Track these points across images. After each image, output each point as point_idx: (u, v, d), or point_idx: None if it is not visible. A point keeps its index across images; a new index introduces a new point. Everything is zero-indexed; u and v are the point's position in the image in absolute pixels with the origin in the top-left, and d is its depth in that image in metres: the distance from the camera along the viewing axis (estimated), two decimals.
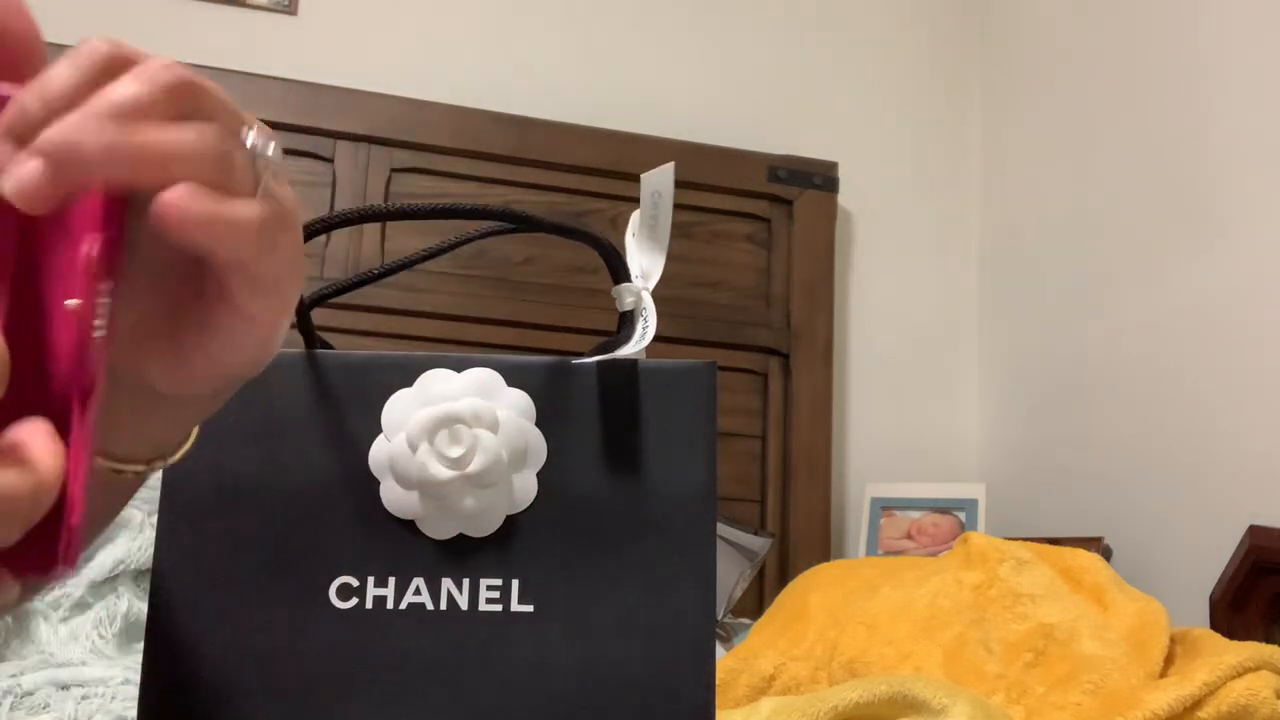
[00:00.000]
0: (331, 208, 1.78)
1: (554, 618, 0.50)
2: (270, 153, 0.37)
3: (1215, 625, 1.25)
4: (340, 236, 1.77)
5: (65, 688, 0.92)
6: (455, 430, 0.49)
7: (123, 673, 0.95)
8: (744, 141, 1.98)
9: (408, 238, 1.78)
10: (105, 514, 0.44)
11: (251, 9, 1.87)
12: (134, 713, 0.89)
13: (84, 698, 0.92)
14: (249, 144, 0.36)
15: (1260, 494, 1.40)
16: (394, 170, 1.81)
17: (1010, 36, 2.12)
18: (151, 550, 1.18)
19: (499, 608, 0.50)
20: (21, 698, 0.90)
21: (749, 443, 1.89)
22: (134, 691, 0.94)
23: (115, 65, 0.34)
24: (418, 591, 0.50)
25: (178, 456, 0.42)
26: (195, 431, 0.42)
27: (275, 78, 1.78)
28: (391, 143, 1.81)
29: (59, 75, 0.33)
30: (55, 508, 0.29)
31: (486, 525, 0.50)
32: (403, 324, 1.73)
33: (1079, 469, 1.77)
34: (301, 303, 0.53)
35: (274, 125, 1.98)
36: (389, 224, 1.79)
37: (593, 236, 0.52)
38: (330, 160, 1.79)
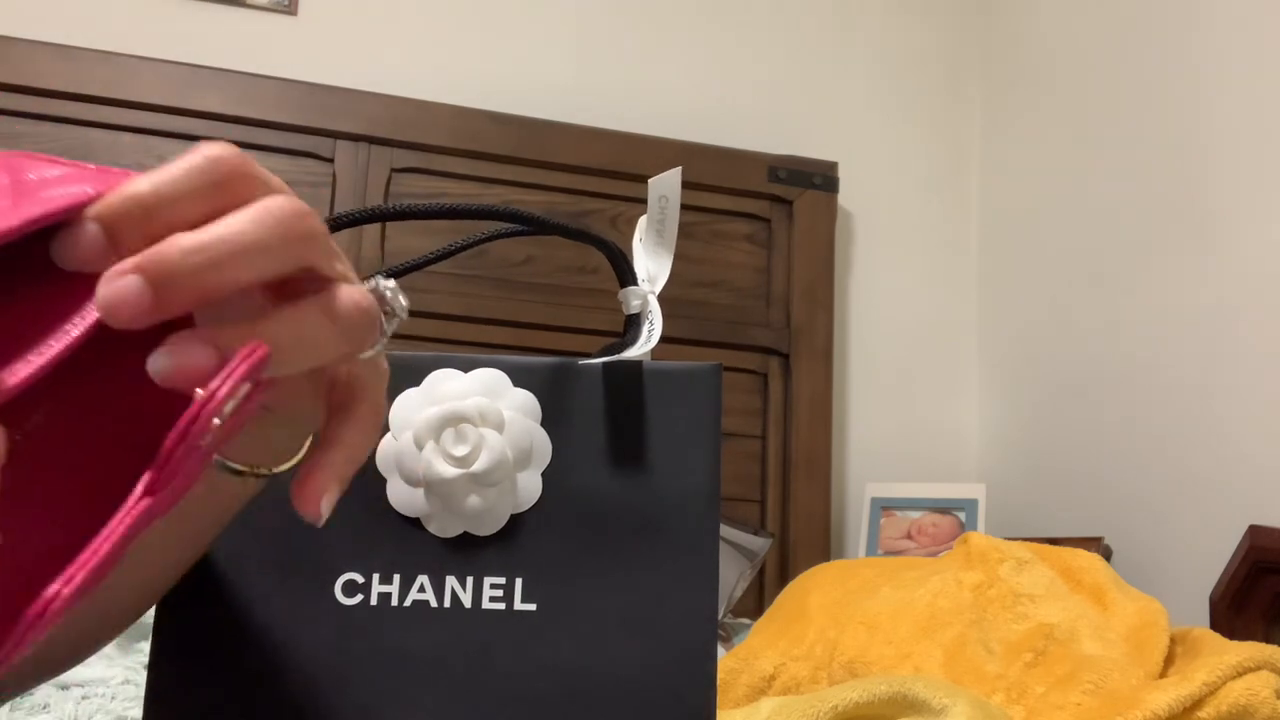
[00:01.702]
0: (331, 208, 1.78)
1: (556, 617, 0.50)
2: (402, 302, 0.35)
3: (1215, 625, 1.26)
4: (341, 237, 1.77)
5: (65, 688, 0.93)
6: (461, 429, 0.49)
7: (123, 672, 0.95)
8: (744, 141, 1.99)
9: (408, 238, 1.78)
10: (211, 524, 0.44)
11: (251, 9, 1.87)
12: (134, 713, 0.89)
13: (84, 698, 0.92)
14: (380, 290, 0.35)
15: (1260, 494, 1.40)
16: (394, 170, 1.82)
17: (1010, 37, 2.12)
18: None
19: (502, 606, 0.50)
20: (21, 698, 0.90)
21: (749, 443, 1.90)
22: (134, 691, 0.94)
23: (234, 181, 0.31)
24: (422, 589, 0.50)
25: (299, 458, 0.41)
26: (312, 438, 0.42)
27: (275, 78, 1.78)
28: (391, 143, 1.81)
29: (175, 180, 0.30)
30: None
31: (491, 524, 0.50)
32: (402, 324, 1.74)
33: (1079, 469, 1.77)
34: None
35: (274, 125, 1.98)
36: (389, 224, 1.80)
37: (600, 240, 0.52)
38: (330, 160, 1.79)
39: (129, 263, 0.28)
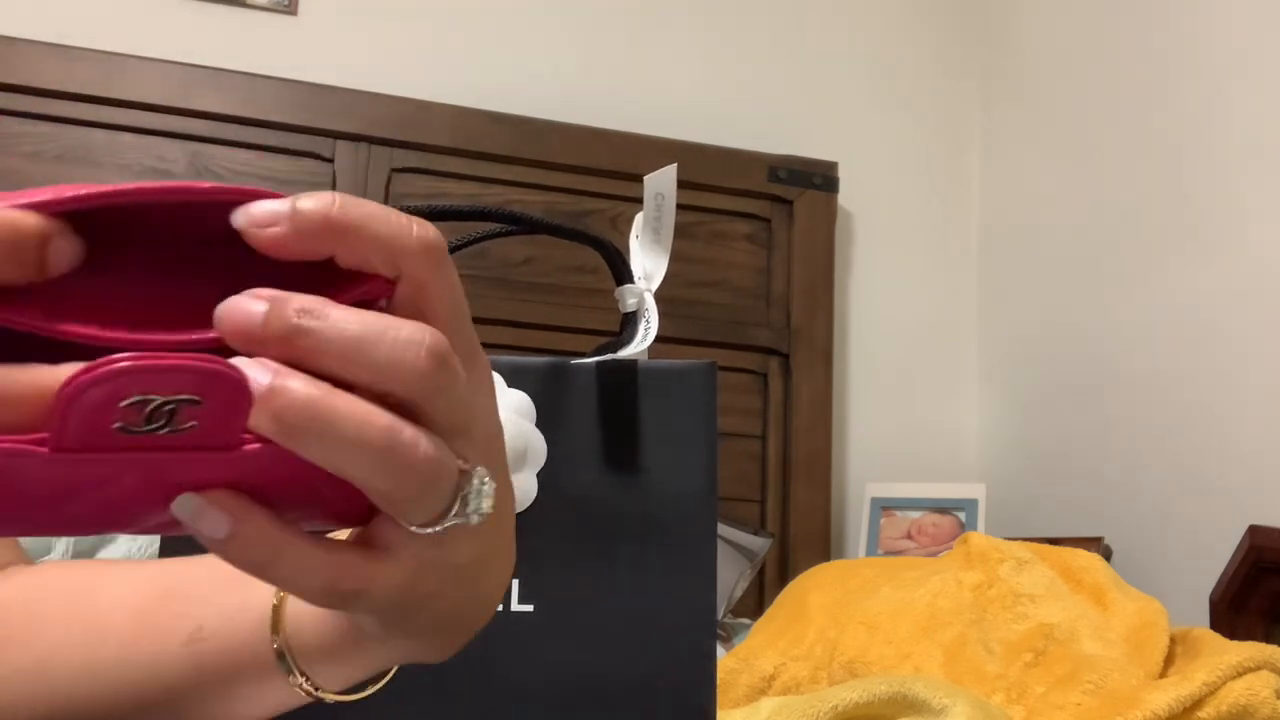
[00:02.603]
0: None
1: (554, 618, 0.50)
2: (482, 507, 0.31)
3: (1215, 625, 1.25)
4: None
5: None
6: None
7: None
8: (744, 141, 1.98)
9: None
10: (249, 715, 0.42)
11: (251, 9, 1.87)
12: None
13: None
14: (470, 479, 0.31)
15: (1260, 494, 1.40)
16: (394, 170, 1.81)
17: (1011, 37, 2.12)
18: (152, 550, 1.18)
19: (499, 608, 0.50)
20: None
21: (749, 443, 1.89)
22: None
23: (418, 263, 0.30)
24: None
25: (380, 686, 0.41)
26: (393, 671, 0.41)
27: (275, 78, 1.78)
28: (391, 143, 1.81)
29: (382, 224, 0.29)
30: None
31: None
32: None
33: (1079, 469, 1.77)
34: None
35: (274, 125, 1.97)
36: None
37: (595, 238, 0.52)
38: (330, 160, 1.79)
39: (267, 293, 0.28)
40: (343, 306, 0.28)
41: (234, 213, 0.29)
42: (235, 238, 0.29)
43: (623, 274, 0.53)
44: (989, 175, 2.14)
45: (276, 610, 0.39)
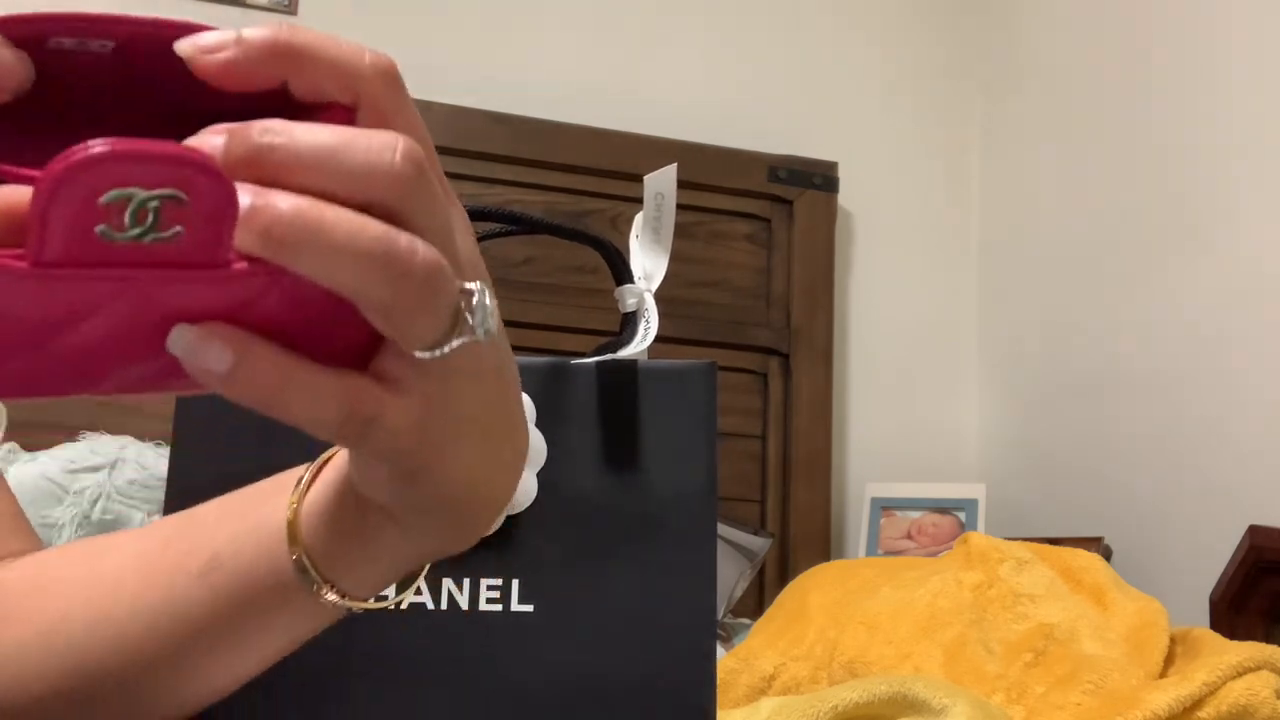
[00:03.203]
0: None
1: (554, 618, 0.50)
2: (488, 322, 0.30)
3: (1215, 625, 1.25)
4: None
5: None
6: None
7: None
8: (744, 141, 1.98)
9: None
10: (279, 642, 0.40)
11: (251, 9, 1.87)
12: None
13: None
14: (471, 295, 0.30)
15: (1260, 494, 1.40)
16: None
17: (1010, 37, 2.12)
18: None
19: (499, 608, 0.50)
20: None
21: (749, 443, 1.89)
22: None
23: (377, 87, 0.31)
24: (418, 591, 0.50)
25: (408, 593, 0.40)
26: (425, 569, 0.40)
27: None
28: None
29: (335, 52, 0.29)
30: None
31: None
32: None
33: (1079, 469, 1.77)
34: None
35: None
36: None
37: (594, 238, 0.52)
38: None
39: (223, 126, 0.27)
40: (306, 124, 0.28)
41: (179, 42, 0.27)
42: (187, 97, 0.28)
43: (623, 274, 0.53)
44: (989, 175, 2.14)
45: (292, 524, 0.37)
